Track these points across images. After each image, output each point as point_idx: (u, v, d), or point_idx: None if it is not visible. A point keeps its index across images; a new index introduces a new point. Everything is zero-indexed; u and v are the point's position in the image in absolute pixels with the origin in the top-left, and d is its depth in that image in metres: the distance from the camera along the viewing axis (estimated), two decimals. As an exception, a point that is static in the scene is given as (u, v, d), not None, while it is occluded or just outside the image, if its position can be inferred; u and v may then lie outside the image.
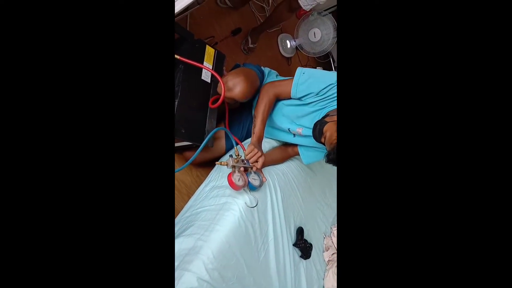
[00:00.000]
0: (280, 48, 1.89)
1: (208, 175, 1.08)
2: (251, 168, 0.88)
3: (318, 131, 0.85)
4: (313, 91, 0.92)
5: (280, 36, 1.89)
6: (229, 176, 0.81)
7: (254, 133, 0.92)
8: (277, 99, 0.99)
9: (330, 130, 0.81)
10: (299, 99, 0.96)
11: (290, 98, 0.98)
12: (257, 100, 0.96)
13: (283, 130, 1.06)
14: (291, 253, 0.97)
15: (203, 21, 1.39)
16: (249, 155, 0.86)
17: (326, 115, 0.89)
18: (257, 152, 0.86)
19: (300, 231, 1.03)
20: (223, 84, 0.89)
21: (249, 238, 0.84)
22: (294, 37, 1.92)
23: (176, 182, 1.16)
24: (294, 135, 1.04)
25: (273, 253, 0.90)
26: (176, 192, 1.15)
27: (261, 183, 0.89)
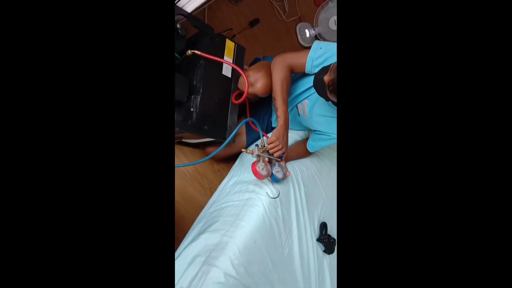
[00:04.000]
0: (299, 37, 1.84)
1: (230, 170, 1.09)
2: (276, 160, 0.87)
3: (319, 83, 0.78)
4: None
5: (299, 25, 1.84)
6: (253, 165, 0.81)
7: (278, 116, 0.87)
8: (292, 71, 0.92)
9: (333, 68, 0.74)
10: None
11: (304, 72, 0.91)
12: (272, 78, 0.89)
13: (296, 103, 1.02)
14: (315, 248, 0.96)
15: (220, 13, 1.37)
16: (270, 145, 0.85)
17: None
18: (278, 145, 0.85)
19: (323, 226, 1.02)
20: (246, 78, 0.88)
21: (274, 233, 0.84)
22: (313, 25, 1.86)
23: (198, 176, 1.18)
24: (299, 115, 1.01)
25: (297, 248, 0.90)
26: (198, 186, 1.17)
27: (284, 176, 0.88)
